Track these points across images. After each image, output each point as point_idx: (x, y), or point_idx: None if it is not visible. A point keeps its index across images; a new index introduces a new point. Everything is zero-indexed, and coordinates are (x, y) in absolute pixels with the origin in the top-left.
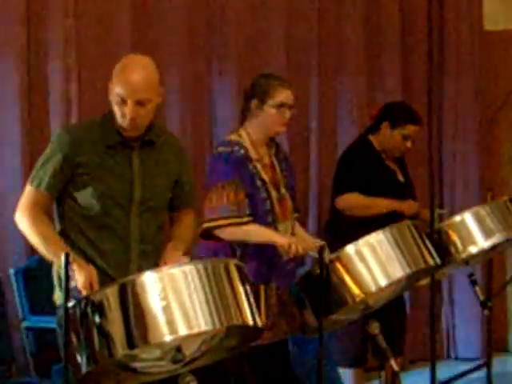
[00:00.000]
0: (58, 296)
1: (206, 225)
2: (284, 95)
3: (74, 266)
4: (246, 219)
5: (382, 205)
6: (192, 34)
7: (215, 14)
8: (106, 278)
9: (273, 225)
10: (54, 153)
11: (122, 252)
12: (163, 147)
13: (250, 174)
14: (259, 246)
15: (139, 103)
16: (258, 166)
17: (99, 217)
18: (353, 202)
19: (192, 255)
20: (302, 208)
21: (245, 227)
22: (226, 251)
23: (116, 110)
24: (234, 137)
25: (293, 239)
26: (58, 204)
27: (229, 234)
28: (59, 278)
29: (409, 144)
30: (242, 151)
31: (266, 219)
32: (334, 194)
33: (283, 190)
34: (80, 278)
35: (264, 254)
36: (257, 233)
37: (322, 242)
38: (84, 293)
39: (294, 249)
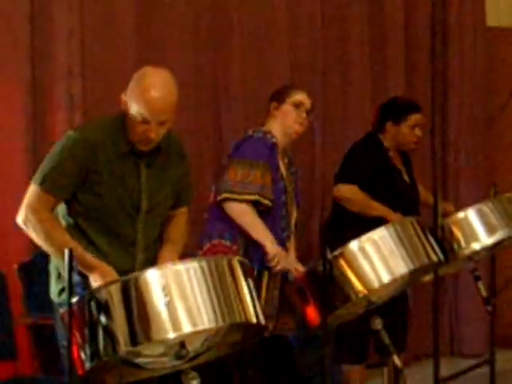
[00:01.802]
0: (54, 292)
1: (227, 195)
2: (301, 96)
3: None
4: (266, 201)
5: (375, 208)
6: (196, 30)
7: (220, 12)
8: None
9: (285, 219)
10: (67, 157)
11: (127, 259)
12: (168, 150)
13: (276, 163)
14: (270, 231)
15: (161, 123)
16: (280, 162)
17: (106, 224)
18: (350, 194)
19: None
20: (306, 209)
21: (254, 217)
22: (233, 233)
23: (134, 126)
24: (264, 128)
25: (281, 253)
26: (63, 208)
27: (239, 212)
28: (59, 274)
29: (418, 132)
30: (274, 139)
31: (281, 212)
32: (335, 182)
33: (291, 192)
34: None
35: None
36: (258, 227)
37: (302, 270)
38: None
39: (275, 262)
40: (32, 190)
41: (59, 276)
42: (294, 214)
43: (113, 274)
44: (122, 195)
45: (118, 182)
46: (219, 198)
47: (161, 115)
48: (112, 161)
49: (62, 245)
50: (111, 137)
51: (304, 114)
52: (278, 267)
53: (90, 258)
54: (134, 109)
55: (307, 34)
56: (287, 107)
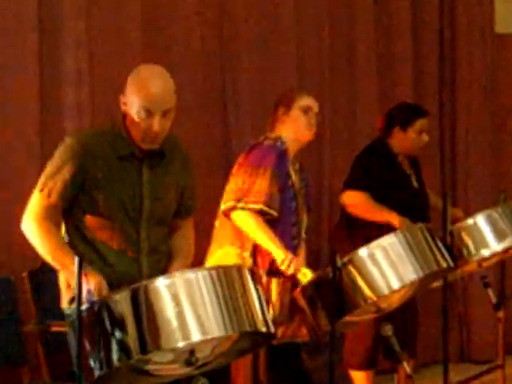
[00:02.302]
0: (64, 302)
1: (232, 203)
2: (308, 100)
3: (86, 273)
4: (272, 211)
5: (383, 215)
6: (203, 38)
7: (227, 18)
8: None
9: (296, 226)
10: (66, 163)
11: (132, 264)
12: (171, 156)
13: (286, 170)
14: (280, 239)
15: (164, 114)
16: (291, 168)
17: (109, 229)
18: (357, 200)
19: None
20: (314, 215)
21: (260, 225)
22: (242, 240)
23: (137, 123)
24: (273, 134)
25: (291, 257)
26: (66, 214)
27: (245, 221)
28: (68, 285)
29: (425, 137)
30: (284, 146)
31: (291, 219)
32: (344, 188)
33: (303, 206)
34: (91, 284)
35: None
36: (265, 235)
37: (310, 277)
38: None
39: (286, 265)
40: (34, 196)
41: (68, 286)
42: (305, 221)
43: (104, 286)
44: (124, 199)
45: (118, 186)
46: (225, 206)
47: (163, 104)
48: (112, 165)
49: (55, 255)
50: (110, 141)
51: (313, 119)
52: (290, 270)
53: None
54: (136, 105)
55: (314, 40)
56: (296, 113)
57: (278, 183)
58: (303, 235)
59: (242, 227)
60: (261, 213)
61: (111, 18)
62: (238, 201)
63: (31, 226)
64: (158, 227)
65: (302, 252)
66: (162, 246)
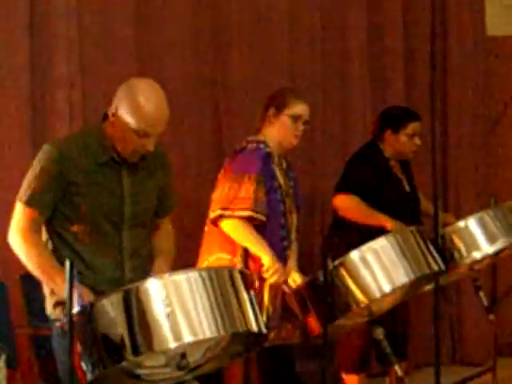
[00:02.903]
0: (49, 307)
1: (219, 212)
2: (301, 108)
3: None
4: (259, 216)
5: (375, 218)
6: (196, 39)
7: (219, 22)
8: (97, 295)
9: (285, 228)
10: (44, 170)
11: (115, 268)
12: (150, 157)
13: (271, 173)
14: (268, 243)
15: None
16: (277, 170)
17: (91, 234)
18: (349, 203)
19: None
20: (307, 217)
21: (249, 232)
22: (233, 246)
23: (128, 140)
24: (259, 137)
25: (277, 266)
26: (47, 221)
27: (233, 229)
28: (51, 291)
29: (417, 141)
30: (268, 149)
31: (279, 221)
32: (336, 191)
33: (291, 203)
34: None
35: (273, 251)
36: (254, 241)
37: (299, 281)
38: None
39: (269, 274)
40: (16, 208)
41: (52, 292)
42: (295, 222)
43: (90, 295)
44: (105, 204)
45: (99, 192)
46: (213, 215)
47: (161, 127)
48: (90, 171)
49: (42, 268)
50: (89, 147)
51: (301, 127)
52: (272, 280)
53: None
54: (133, 125)
55: (306, 43)
56: (285, 119)
57: (265, 187)
58: (293, 236)
59: (231, 235)
60: (249, 219)
61: (103, 19)
62: (225, 209)
63: (16, 240)
64: (139, 230)
65: (293, 254)
66: (143, 250)
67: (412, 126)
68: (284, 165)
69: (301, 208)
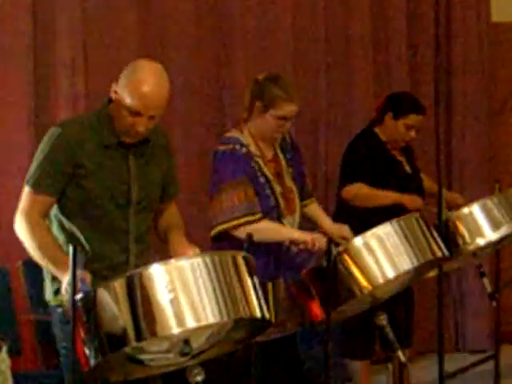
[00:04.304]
0: (49, 293)
1: (219, 227)
2: (287, 110)
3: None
4: (258, 216)
5: (386, 197)
6: (198, 29)
7: (222, 11)
8: (101, 280)
9: (278, 220)
10: (52, 153)
11: (120, 253)
12: (154, 142)
13: (253, 171)
14: (267, 243)
15: (152, 117)
16: (260, 162)
17: (98, 217)
18: (357, 192)
19: None
20: None
21: (261, 225)
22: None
23: (122, 117)
24: (234, 133)
25: (314, 235)
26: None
27: (242, 236)
28: (53, 276)
29: (413, 134)
30: (244, 149)
31: (271, 215)
32: (340, 185)
33: (289, 183)
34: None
35: (272, 250)
36: (275, 231)
37: (345, 232)
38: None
39: (317, 245)
40: (24, 192)
41: (53, 278)
42: (297, 203)
43: (88, 277)
44: (111, 187)
45: (106, 175)
46: (213, 232)
47: (154, 110)
48: (98, 153)
49: (45, 253)
50: (96, 130)
51: (287, 125)
52: (317, 246)
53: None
54: (127, 101)
55: (310, 28)
56: (269, 119)
57: (252, 186)
58: (308, 200)
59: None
60: (249, 222)
61: (106, 6)
62: (222, 223)
63: (21, 223)
64: (144, 214)
65: (320, 212)
66: (146, 236)
67: (413, 118)
68: (269, 153)
69: (307, 184)
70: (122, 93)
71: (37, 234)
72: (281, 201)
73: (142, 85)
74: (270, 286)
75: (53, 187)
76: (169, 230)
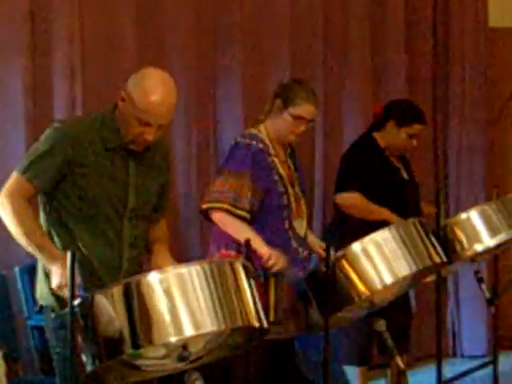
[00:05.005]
0: (43, 293)
1: (203, 205)
2: (306, 109)
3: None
4: (239, 212)
5: (379, 213)
6: (197, 29)
7: (221, 11)
8: (95, 281)
9: (288, 220)
10: (53, 149)
11: (114, 257)
12: (154, 150)
13: (267, 168)
14: (271, 236)
15: (160, 126)
16: (276, 161)
17: (93, 220)
18: (352, 202)
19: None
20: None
21: (238, 222)
22: (237, 242)
23: (130, 126)
24: (253, 131)
25: (274, 252)
26: (46, 201)
27: (219, 219)
28: (46, 274)
29: (414, 142)
30: (261, 145)
31: (282, 214)
32: (336, 191)
33: (297, 189)
34: (55, 279)
35: (276, 243)
36: (245, 233)
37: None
38: (60, 292)
39: (273, 262)
40: (13, 177)
41: (46, 277)
42: (304, 210)
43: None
44: (110, 190)
45: (105, 177)
46: (200, 207)
47: (163, 119)
48: (99, 155)
49: (30, 232)
50: (99, 131)
51: (303, 127)
52: (276, 268)
53: (54, 248)
54: (135, 111)
55: (307, 31)
56: (287, 117)
57: (258, 184)
58: (304, 224)
59: (221, 226)
60: (231, 213)
61: (104, 11)
62: (209, 202)
63: (6, 203)
64: (140, 221)
65: (309, 231)
66: (141, 242)
67: (417, 128)
68: (282, 155)
69: (306, 192)
70: (130, 102)
71: (24, 219)
72: (292, 202)
73: (153, 97)
74: (272, 281)
75: (40, 180)
76: (155, 242)
